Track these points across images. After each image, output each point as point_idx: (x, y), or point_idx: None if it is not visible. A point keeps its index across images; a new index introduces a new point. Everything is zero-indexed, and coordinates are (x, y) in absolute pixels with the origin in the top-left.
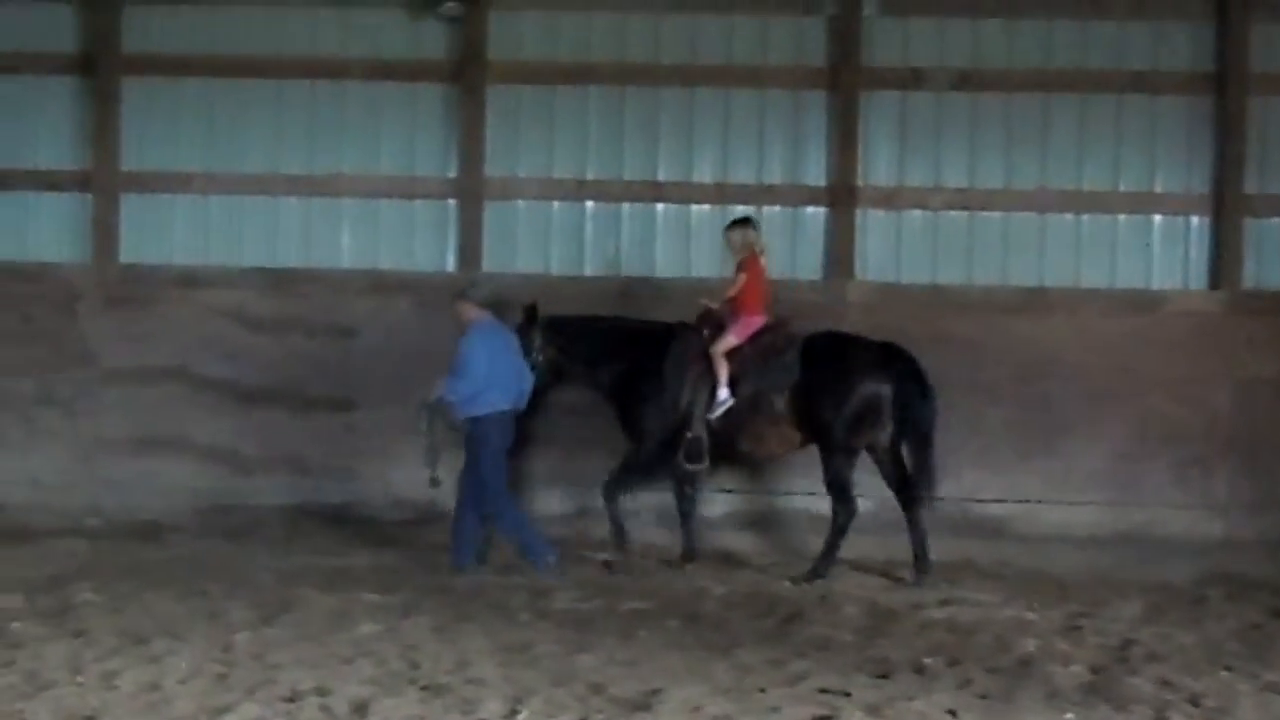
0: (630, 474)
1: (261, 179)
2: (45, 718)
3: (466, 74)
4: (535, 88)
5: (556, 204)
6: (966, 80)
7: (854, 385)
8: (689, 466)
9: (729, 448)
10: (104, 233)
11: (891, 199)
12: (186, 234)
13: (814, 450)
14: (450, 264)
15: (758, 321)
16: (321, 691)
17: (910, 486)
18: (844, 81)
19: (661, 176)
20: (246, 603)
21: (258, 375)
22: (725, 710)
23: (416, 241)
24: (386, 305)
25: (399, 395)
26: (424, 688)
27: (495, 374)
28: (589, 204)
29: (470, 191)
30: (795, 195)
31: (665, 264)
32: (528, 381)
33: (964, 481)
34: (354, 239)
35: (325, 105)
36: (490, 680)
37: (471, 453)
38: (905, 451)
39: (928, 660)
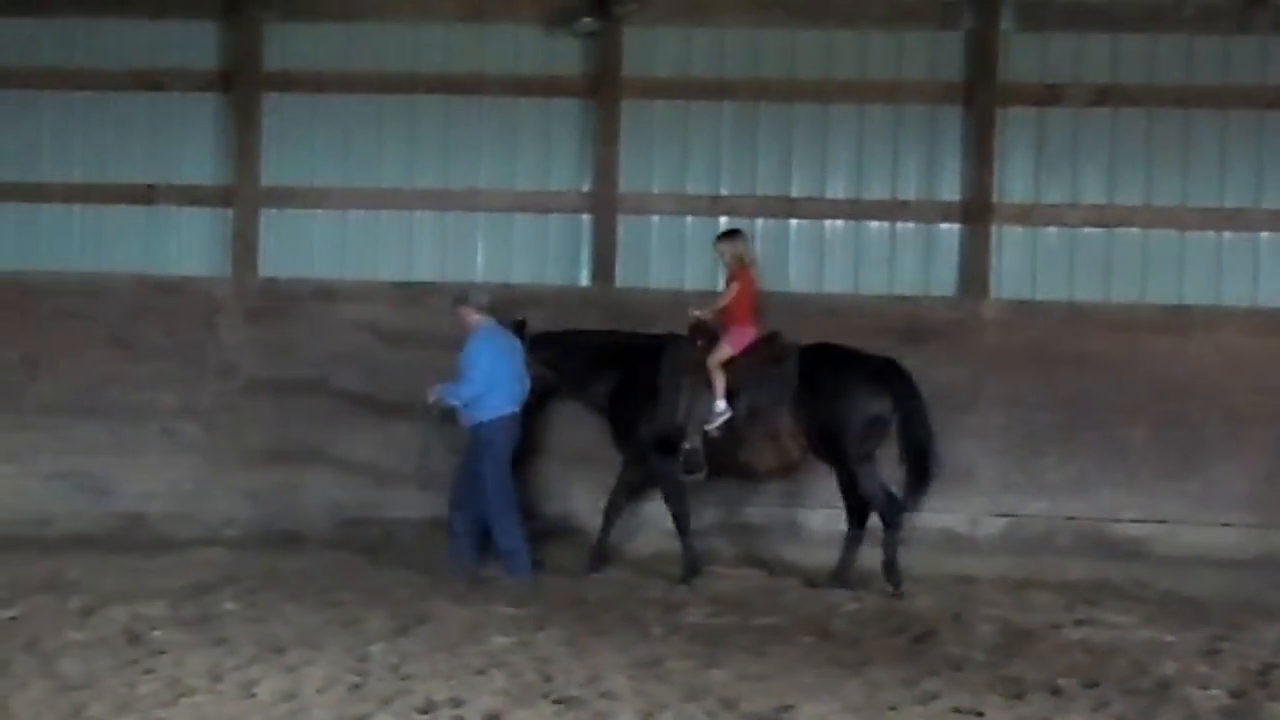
0: (674, 493)
1: (397, 193)
2: None
3: (601, 89)
4: (669, 103)
5: (690, 219)
6: (1105, 96)
7: (859, 399)
8: (687, 477)
9: (729, 459)
10: (244, 247)
11: (1028, 215)
12: (324, 248)
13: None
14: (584, 278)
15: (751, 333)
16: (455, 702)
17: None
18: (980, 97)
19: (795, 192)
20: (382, 614)
21: (393, 388)
22: None
23: (550, 256)
24: None
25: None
26: (556, 700)
27: (497, 378)
28: (722, 220)
29: (604, 206)
30: (930, 211)
31: (799, 280)
32: (526, 385)
33: (1102, 501)
34: (488, 253)
35: (461, 120)
36: (622, 694)
37: (475, 457)
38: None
39: (1063, 681)
